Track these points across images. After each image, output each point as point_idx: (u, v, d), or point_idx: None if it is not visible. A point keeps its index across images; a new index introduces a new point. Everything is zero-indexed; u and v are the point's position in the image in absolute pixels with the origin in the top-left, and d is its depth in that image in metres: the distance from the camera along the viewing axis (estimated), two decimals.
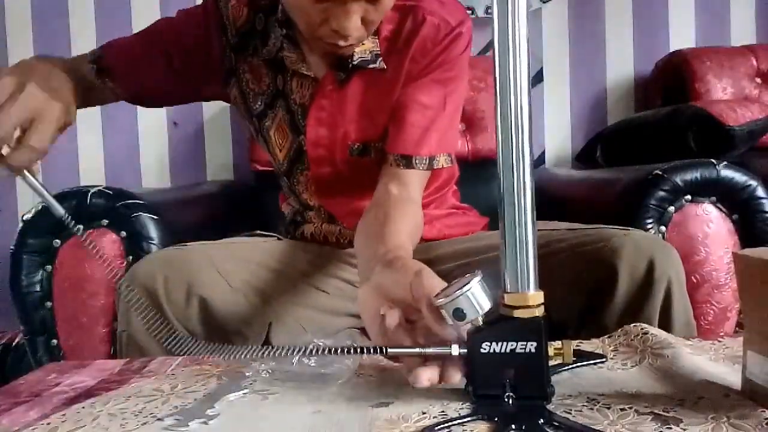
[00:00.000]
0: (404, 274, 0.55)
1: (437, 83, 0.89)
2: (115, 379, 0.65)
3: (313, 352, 0.53)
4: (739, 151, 1.36)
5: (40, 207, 1.08)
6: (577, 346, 0.66)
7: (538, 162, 1.96)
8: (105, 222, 1.09)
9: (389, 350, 0.52)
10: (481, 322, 0.51)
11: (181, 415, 0.52)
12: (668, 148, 1.38)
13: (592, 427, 0.46)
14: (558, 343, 0.54)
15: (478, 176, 1.44)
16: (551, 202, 1.39)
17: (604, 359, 0.62)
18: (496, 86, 0.51)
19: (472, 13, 1.88)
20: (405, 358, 0.54)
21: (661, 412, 0.47)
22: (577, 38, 1.98)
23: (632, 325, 0.69)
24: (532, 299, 0.50)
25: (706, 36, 1.98)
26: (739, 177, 1.09)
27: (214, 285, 0.85)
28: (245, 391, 0.58)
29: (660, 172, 1.09)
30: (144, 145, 1.96)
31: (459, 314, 0.49)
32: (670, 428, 0.45)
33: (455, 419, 0.48)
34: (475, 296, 0.49)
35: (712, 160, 1.09)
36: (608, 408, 0.49)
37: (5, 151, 0.63)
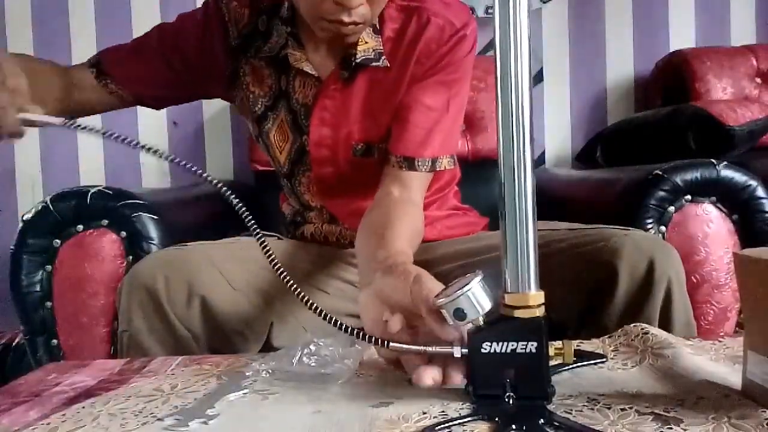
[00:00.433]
0: (404, 279, 0.55)
1: (441, 85, 0.89)
2: (115, 379, 0.65)
3: (327, 318, 0.53)
4: (739, 151, 1.36)
5: (40, 207, 1.08)
6: (578, 346, 0.66)
7: (538, 162, 1.96)
8: (105, 222, 1.09)
9: (392, 345, 0.52)
10: (481, 322, 0.51)
11: (181, 415, 0.52)
12: (668, 148, 1.38)
13: (593, 427, 0.46)
14: (558, 343, 0.54)
15: (478, 176, 1.44)
16: (551, 202, 1.39)
17: (604, 359, 0.62)
18: (497, 86, 0.51)
19: (473, 13, 1.88)
20: (407, 360, 0.54)
21: (662, 412, 0.47)
22: (577, 38, 1.98)
23: (632, 325, 0.69)
24: (533, 299, 0.50)
25: (706, 36, 1.98)
26: (739, 177, 1.09)
27: (215, 285, 0.85)
28: (245, 391, 0.58)
29: (660, 172, 1.09)
30: None
31: (459, 314, 0.49)
32: (671, 428, 0.45)
33: (455, 419, 0.48)
34: (476, 296, 0.49)
35: (712, 160, 1.09)
36: (609, 408, 0.49)
37: None
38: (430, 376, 0.51)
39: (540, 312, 0.50)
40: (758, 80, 1.84)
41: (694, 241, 1.09)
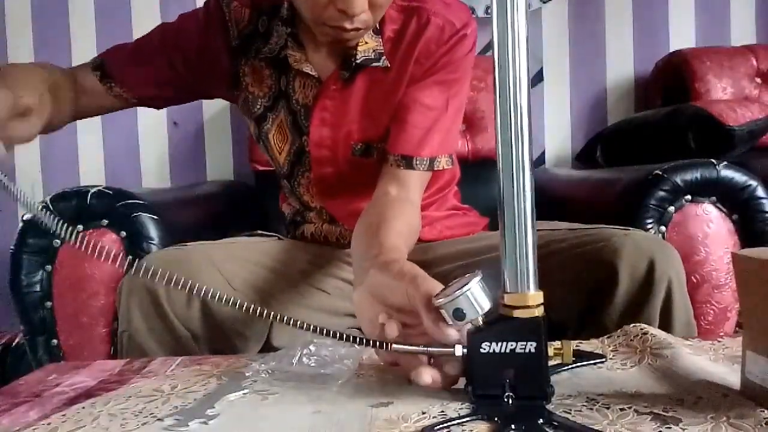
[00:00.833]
0: (400, 279, 0.55)
1: (440, 85, 0.89)
2: (115, 379, 0.65)
3: (322, 332, 0.53)
4: (739, 151, 1.36)
5: (40, 207, 1.07)
6: (577, 346, 0.66)
7: (538, 162, 1.96)
8: (105, 222, 1.09)
9: (393, 346, 0.52)
10: (480, 322, 0.51)
11: (181, 415, 0.52)
12: (668, 148, 1.38)
13: (592, 427, 0.46)
14: (558, 343, 0.54)
15: (478, 176, 1.44)
16: (551, 202, 1.39)
17: (603, 359, 0.62)
18: (495, 86, 0.51)
19: (473, 13, 1.88)
20: (406, 362, 0.54)
21: (661, 412, 0.48)
22: (577, 38, 1.98)
23: (632, 325, 0.69)
24: (532, 299, 0.50)
25: (706, 36, 1.98)
26: (739, 177, 1.09)
27: (215, 285, 0.84)
28: (245, 391, 0.58)
29: (660, 172, 1.09)
30: (144, 145, 1.96)
31: (459, 314, 0.49)
32: (670, 428, 0.45)
33: (455, 419, 0.48)
34: (475, 296, 0.50)
35: (712, 160, 1.09)
36: (608, 408, 0.49)
37: None
38: (428, 373, 0.51)
39: (539, 312, 0.50)
40: (758, 80, 1.84)
41: (694, 241, 1.09)
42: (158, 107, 1.01)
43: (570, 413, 0.49)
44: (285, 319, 0.53)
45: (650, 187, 1.09)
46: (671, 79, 1.85)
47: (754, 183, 1.09)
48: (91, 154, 1.96)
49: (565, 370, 0.59)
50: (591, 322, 0.80)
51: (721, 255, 1.09)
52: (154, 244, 1.08)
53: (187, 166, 1.96)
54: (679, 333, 0.73)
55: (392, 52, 0.89)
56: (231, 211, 1.59)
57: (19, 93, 0.64)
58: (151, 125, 1.95)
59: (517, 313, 0.50)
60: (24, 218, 1.08)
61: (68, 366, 0.71)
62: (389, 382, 0.58)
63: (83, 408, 0.56)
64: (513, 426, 0.46)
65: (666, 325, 0.76)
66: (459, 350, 0.51)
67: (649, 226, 1.08)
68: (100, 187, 1.09)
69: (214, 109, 1.95)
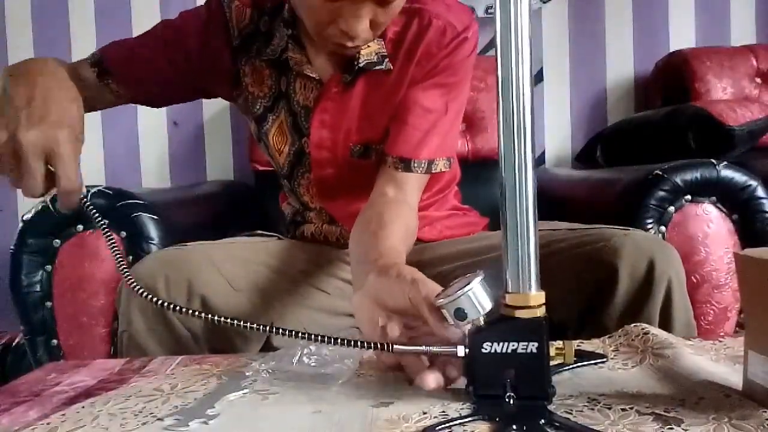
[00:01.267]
0: (400, 282, 0.55)
1: (440, 87, 0.89)
2: (115, 379, 0.64)
3: (322, 340, 0.53)
4: (739, 151, 1.36)
5: (40, 207, 1.08)
6: (578, 346, 0.66)
7: (538, 162, 1.96)
8: (105, 222, 1.09)
9: (395, 347, 0.52)
10: (482, 322, 0.51)
11: (181, 415, 0.52)
12: (668, 148, 1.38)
13: (593, 427, 0.46)
14: (559, 343, 0.54)
15: (478, 176, 1.44)
16: (551, 202, 1.39)
17: (604, 359, 0.62)
18: (498, 86, 0.51)
19: (473, 14, 1.88)
20: (408, 364, 0.54)
21: (663, 413, 0.47)
22: (577, 38, 1.98)
23: (633, 325, 0.69)
24: (534, 299, 0.50)
25: (706, 36, 1.98)
26: (739, 177, 1.09)
27: (215, 285, 0.85)
28: (245, 391, 0.58)
29: (660, 172, 1.09)
30: (144, 145, 1.96)
31: (460, 314, 0.49)
32: (672, 428, 0.45)
33: (456, 419, 0.48)
34: (477, 296, 0.49)
35: (712, 160, 1.09)
36: (609, 408, 0.49)
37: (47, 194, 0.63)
38: (433, 378, 0.51)
39: (541, 312, 0.50)
40: (758, 80, 1.84)
41: (694, 241, 1.09)
42: (156, 106, 1.00)
43: (571, 413, 0.49)
44: (287, 332, 0.53)
45: (650, 187, 1.09)
46: (671, 79, 1.85)
47: (754, 183, 1.09)
48: (91, 154, 1.95)
49: (566, 370, 0.59)
50: (591, 322, 0.80)
51: (721, 255, 1.09)
52: (154, 244, 1.08)
53: (187, 166, 1.96)
54: (678, 333, 0.73)
55: (393, 54, 0.89)
56: (231, 211, 1.59)
57: (78, 130, 0.65)
58: (151, 125, 1.95)
59: (518, 314, 0.50)
60: (24, 218, 1.08)
61: (68, 365, 0.71)
62: (390, 382, 0.58)
63: (83, 407, 0.56)
64: (514, 426, 0.46)
65: (666, 325, 0.76)
66: (461, 350, 0.51)
67: (649, 226, 1.08)
68: (100, 187, 1.09)
69: (214, 109, 1.95)
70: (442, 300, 0.50)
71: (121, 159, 1.96)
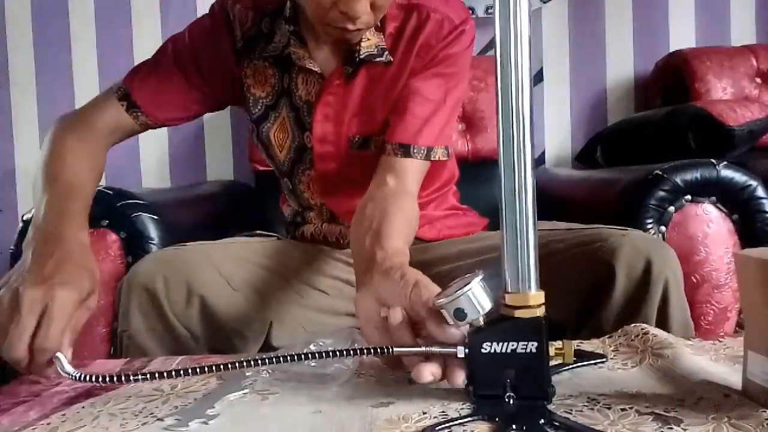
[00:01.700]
0: (403, 284, 0.55)
1: (439, 77, 0.90)
2: None
3: (318, 355, 0.53)
4: (739, 151, 1.36)
5: None
6: (578, 346, 0.66)
7: (538, 162, 1.96)
8: (105, 222, 1.09)
9: (395, 350, 0.52)
10: (482, 322, 0.51)
11: (181, 415, 0.52)
12: (668, 148, 1.38)
13: (593, 427, 0.46)
14: (559, 343, 0.54)
15: (478, 176, 1.44)
16: (551, 202, 1.39)
17: (604, 359, 0.62)
18: (497, 86, 0.51)
19: (473, 13, 1.88)
20: (407, 359, 0.54)
21: (662, 413, 0.47)
22: (577, 38, 1.98)
23: (632, 325, 0.69)
24: (533, 299, 0.50)
25: (706, 36, 1.98)
26: (739, 177, 1.09)
27: (214, 285, 0.85)
28: (245, 391, 0.58)
29: (660, 172, 1.09)
30: (144, 145, 1.96)
31: (460, 314, 0.49)
32: (671, 428, 0.45)
33: (456, 419, 0.48)
34: (476, 296, 0.49)
35: (712, 160, 1.09)
36: (609, 408, 0.49)
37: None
38: (428, 371, 0.51)
39: (540, 312, 0.50)
40: (758, 80, 1.84)
41: (694, 241, 1.09)
42: (178, 124, 1.01)
43: (571, 413, 0.49)
44: (283, 356, 0.54)
45: (650, 187, 1.09)
46: (671, 79, 1.85)
47: (754, 183, 1.09)
48: None
49: (566, 370, 0.59)
50: (589, 322, 0.80)
51: (721, 255, 1.09)
52: (154, 244, 1.08)
53: (187, 166, 1.96)
54: (676, 333, 0.73)
55: (393, 48, 0.91)
56: (231, 211, 1.59)
57: (84, 296, 0.64)
58: None
59: (518, 313, 0.50)
60: (24, 218, 1.08)
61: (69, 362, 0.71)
62: (389, 382, 0.58)
63: (83, 408, 0.56)
64: (514, 426, 0.46)
65: (663, 325, 0.76)
66: (461, 351, 0.51)
67: (649, 226, 1.08)
68: (100, 187, 1.09)
69: None
70: (441, 300, 0.50)
71: (121, 159, 1.95)
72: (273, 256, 0.96)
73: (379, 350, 0.52)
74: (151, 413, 0.53)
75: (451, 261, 0.95)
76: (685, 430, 0.44)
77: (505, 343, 0.50)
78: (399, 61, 0.91)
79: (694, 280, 1.07)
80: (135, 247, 1.08)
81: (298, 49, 0.90)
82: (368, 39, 0.89)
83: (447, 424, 0.47)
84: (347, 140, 0.93)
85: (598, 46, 1.98)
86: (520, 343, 0.50)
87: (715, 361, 0.60)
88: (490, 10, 1.90)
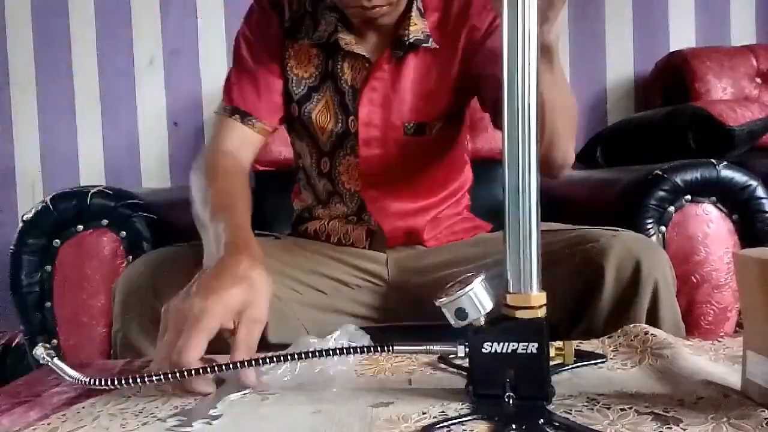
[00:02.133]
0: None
1: None
2: None
3: (318, 355, 0.53)
4: (739, 151, 1.36)
5: (40, 207, 1.08)
6: (578, 346, 0.66)
7: None
8: (105, 222, 1.09)
9: (395, 348, 0.52)
10: (483, 322, 0.51)
11: (184, 415, 0.52)
12: (668, 148, 1.38)
13: (592, 427, 0.46)
14: (559, 343, 0.54)
15: (478, 176, 1.43)
16: (551, 202, 1.39)
17: (604, 359, 0.62)
18: (503, 85, 0.51)
19: None
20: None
21: (661, 412, 0.48)
22: (577, 38, 1.98)
23: (632, 325, 0.69)
24: (535, 300, 0.50)
25: (706, 36, 1.98)
26: (739, 177, 1.09)
27: None
28: (246, 391, 0.58)
29: (660, 172, 1.09)
30: (144, 145, 1.96)
31: (461, 314, 0.50)
32: (670, 428, 0.45)
33: (455, 419, 0.48)
34: (477, 296, 0.50)
35: (712, 160, 1.09)
36: (608, 408, 0.49)
37: None
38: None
39: (542, 312, 0.50)
40: (758, 80, 1.84)
41: (694, 241, 1.09)
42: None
43: (570, 413, 0.49)
44: (284, 356, 0.55)
45: (650, 187, 1.09)
46: (671, 79, 1.85)
47: (754, 183, 1.09)
48: (91, 154, 1.96)
49: (565, 370, 0.59)
50: (580, 323, 0.80)
51: (721, 255, 1.09)
52: (153, 244, 1.08)
53: (187, 166, 1.95)
54: None
55: (440, 34, 0.93)
56: None
57: (236, 295, 0.63)
58: (152, 126, 1.95)
59: (519, 314, 0.50)
60: (24, 218, 1.08)
61: (68, 366, 0.71)
62: (389, 382, 0.58)
63: (83, 408, 0.56)
64: (513, 426, 0.46)
65: (653, 326, 0.75)
66: (461, 350, 0.51)
67: (649, 226, 1.08)
68: (100, 187, 1.09)
69: (214, 109, 1.94)
70: (443, 300, 0.50)
71: (121, 159, 1.96)
72: (271, 256, 0.95)
73: (379, 348, 0.52)
74: (152, 413, 0.53)
75: (451, 267, 0.94)
76: (684, 430, 0.45)
77: (506, 344, 0.50)
78: (448, 46, 0.93)
79: (694, 280, 1.07)
80: (135, 247, 1.08)
81: (346, 36, 0.93)
82: (415, 24, 0.92)
83: (446, 424, 0.47)
84: (399, 127, 0.94)
85: (598, 46, 1.98)
86: (521, 344, 0.50)
87: (714, 361, 0.60)
88: None
